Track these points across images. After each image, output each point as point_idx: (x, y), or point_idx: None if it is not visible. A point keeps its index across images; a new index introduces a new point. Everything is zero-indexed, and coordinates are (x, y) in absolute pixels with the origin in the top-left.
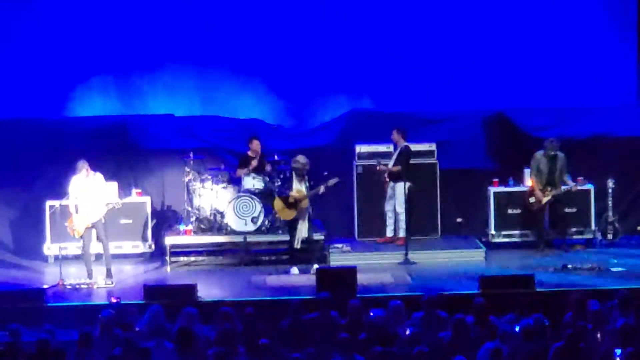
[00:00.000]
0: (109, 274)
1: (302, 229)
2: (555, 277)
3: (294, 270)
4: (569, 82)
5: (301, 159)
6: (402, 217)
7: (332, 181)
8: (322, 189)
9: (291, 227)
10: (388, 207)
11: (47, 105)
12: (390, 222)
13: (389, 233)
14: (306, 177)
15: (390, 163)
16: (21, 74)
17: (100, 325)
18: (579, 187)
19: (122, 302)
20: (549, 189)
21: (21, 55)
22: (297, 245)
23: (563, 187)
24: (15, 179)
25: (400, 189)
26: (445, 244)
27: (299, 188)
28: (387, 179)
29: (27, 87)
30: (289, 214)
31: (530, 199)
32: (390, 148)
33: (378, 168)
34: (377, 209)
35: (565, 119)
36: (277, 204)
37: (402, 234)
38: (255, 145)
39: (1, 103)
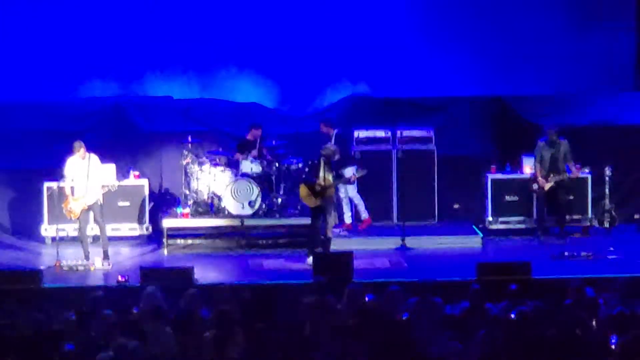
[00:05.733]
0: (106, 256)
1: (330, 219)
2: (552, 265)
3: (310, 260)
4: (567, 68)
5: (331, 146)
6: (357, 200)
7: (361, 172)
8: (343, 180)
9: (314, 215)
10: (341, 195)
11: (45, 87)
12: (347, 208)
13: (348, 220)
14: (333, 166)
15: None
16: (20, 57)
17: (91, 305)
18: (580, 175)
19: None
20: (552, 175)
21: (21, 39)
22: (330, 234)
23: (567, 174)
24: (12, 160)
25: (347, 174)
26: (442, 230)
27: (326, 176)
28: None
29: (25, 70)
30: (313, 202)
31: (533, 185)
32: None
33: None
34: (376, 194)
35: (563, 106)
36: (302, 190)
37: (364, 216)
38: (256, 133)
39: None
